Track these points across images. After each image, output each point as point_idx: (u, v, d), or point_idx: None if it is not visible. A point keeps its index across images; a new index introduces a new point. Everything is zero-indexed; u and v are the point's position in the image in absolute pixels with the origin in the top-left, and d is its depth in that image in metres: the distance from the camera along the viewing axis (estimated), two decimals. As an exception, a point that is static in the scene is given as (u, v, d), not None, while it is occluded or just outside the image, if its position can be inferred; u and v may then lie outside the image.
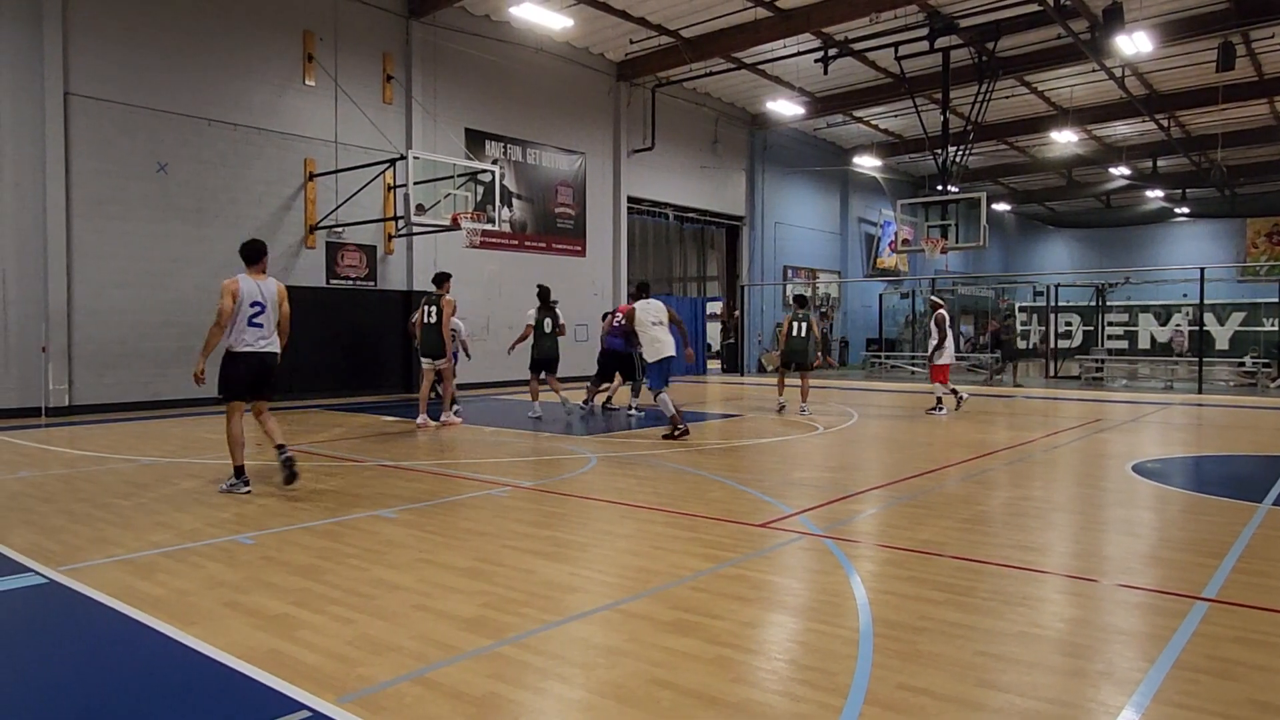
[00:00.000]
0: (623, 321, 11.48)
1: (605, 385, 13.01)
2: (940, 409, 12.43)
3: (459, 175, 14.66)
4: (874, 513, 5.86)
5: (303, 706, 2.79)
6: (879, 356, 26.03)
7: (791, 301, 13.56)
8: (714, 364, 26.00)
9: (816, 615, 3.74)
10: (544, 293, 11.96)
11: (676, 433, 9.57)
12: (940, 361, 12.57)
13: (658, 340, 10.03)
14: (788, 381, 13.33)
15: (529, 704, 2.86)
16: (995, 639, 3.40)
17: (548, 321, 11.87)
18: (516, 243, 18.45)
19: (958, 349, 27.35)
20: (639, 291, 10.87)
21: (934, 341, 12.61)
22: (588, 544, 4.95)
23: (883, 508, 6.01)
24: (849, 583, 4.16)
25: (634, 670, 3.10)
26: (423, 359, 11.00)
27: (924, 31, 17.18)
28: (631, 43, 18.73)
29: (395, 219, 15.69)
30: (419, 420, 10.93)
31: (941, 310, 12.72)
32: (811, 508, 5.91)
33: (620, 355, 12.48)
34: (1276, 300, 21.16)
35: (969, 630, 3.50)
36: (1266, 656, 3.24)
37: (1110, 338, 24.06)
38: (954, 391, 12.76)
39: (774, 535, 5.14)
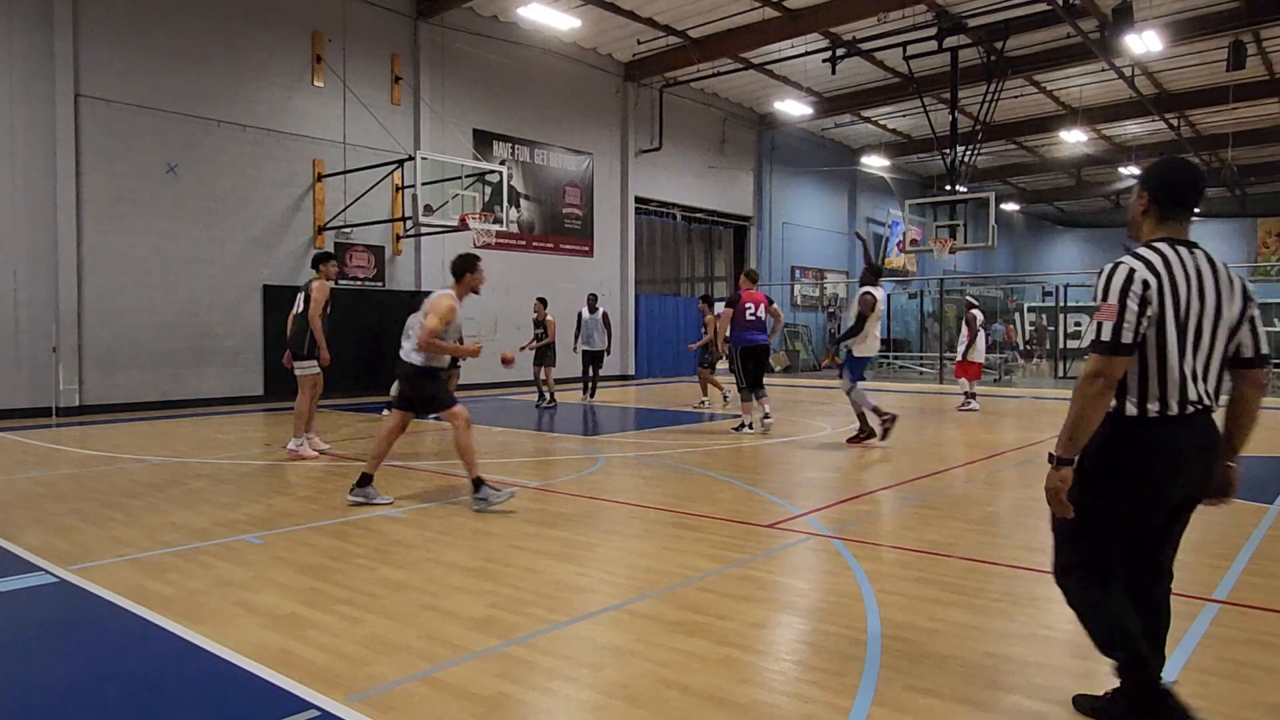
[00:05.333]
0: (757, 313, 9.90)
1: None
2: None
3: (467, 176, 14.69)
4: (882, 513, 5.85)
5: (311, 706, 2.80)
6: (886, 357, 25.96)
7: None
8: (722, 364, 25.95)
9: (825, 616, 3.73)
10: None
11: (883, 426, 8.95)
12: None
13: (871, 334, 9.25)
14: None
15: (537, 704, 2.86)
16: (1004, 640, 3.39)
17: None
18: (524, 243, 18.47)
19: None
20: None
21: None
22: (595, 544, 4.95)
23: (891, 508, 6.00)
24: (857, 584, 4.15)
25: (642, 670, 3.10)
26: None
27: (932, 31, 17.12)
28: (639, 43, 18.73)
29: (403, 219, 15.72)
30: (291, 445, 8.35)
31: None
32: (819, 508, 5.90)
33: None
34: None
35: (978, 631, 3.49)
36: (1278, 659, 3.22)
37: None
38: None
39: (782, 536, 5.13)
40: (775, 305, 10.46)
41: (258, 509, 5.92)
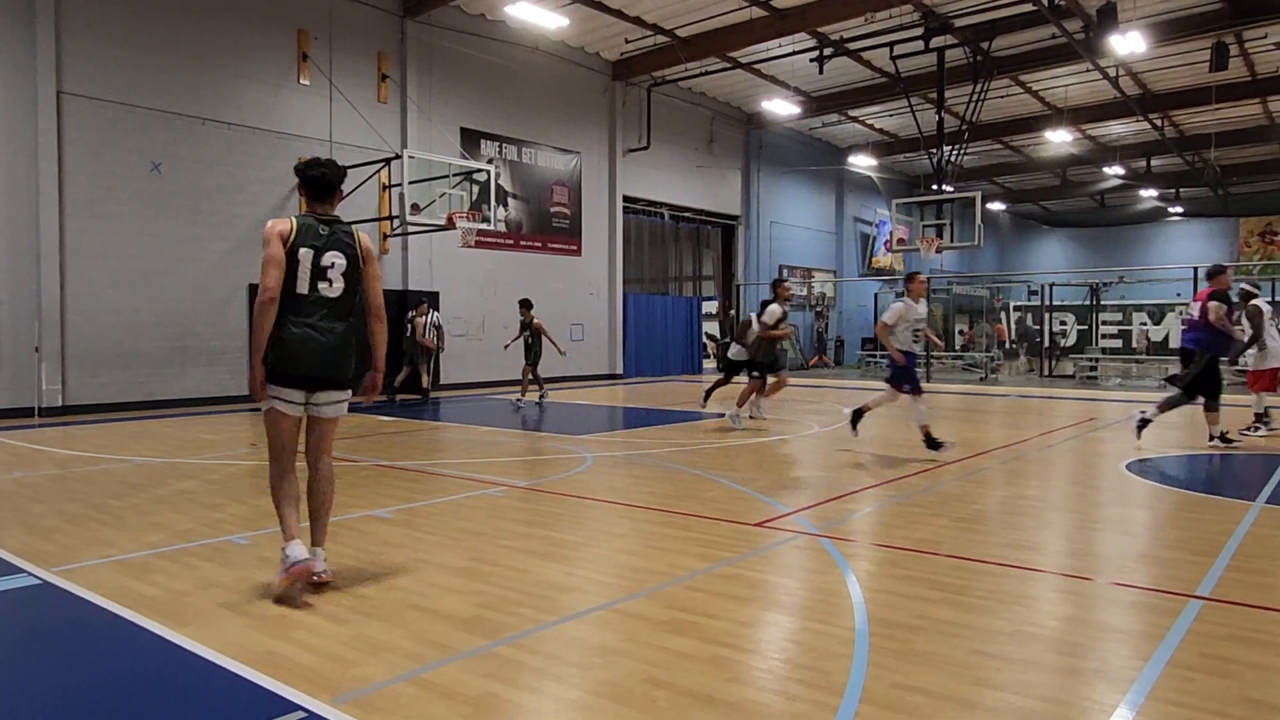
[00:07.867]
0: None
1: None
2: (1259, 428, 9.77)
3: (454, 175, 14.64)
4: (870, 512, 5.87)
5: (298, 707, 2.79)
6: (874, 356, 26.06)
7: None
8: (709, 363, 25.99)
9: (812, 614, 3.74)
10: None
11: None
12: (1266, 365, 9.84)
13: None
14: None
15: (525, 704, 2.86)
16: (990, 637, 3.41)
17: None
18: (512, 242, 18.43)
19: (952, 348, 27.52)
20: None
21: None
22: (583, 544, 4.95)
23: (878, 507, 6.02)
24: (845, 582, 4.16)
25: (630, 670, 3.10)
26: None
27: (919, 31, 17.21)
28: (627, 42, 18.73)
29: (390, 219, 15.66)
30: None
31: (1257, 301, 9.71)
32: (807, 507, 5.91)
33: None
34: (1270, 300, 21.20)
35: (964, 629, 3.50)
36: (1260, 654, 3.25)
37: (1104, 337, 24.11)
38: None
39: (770, 534, 5.14)
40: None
41: (243, 509, 5.89)
